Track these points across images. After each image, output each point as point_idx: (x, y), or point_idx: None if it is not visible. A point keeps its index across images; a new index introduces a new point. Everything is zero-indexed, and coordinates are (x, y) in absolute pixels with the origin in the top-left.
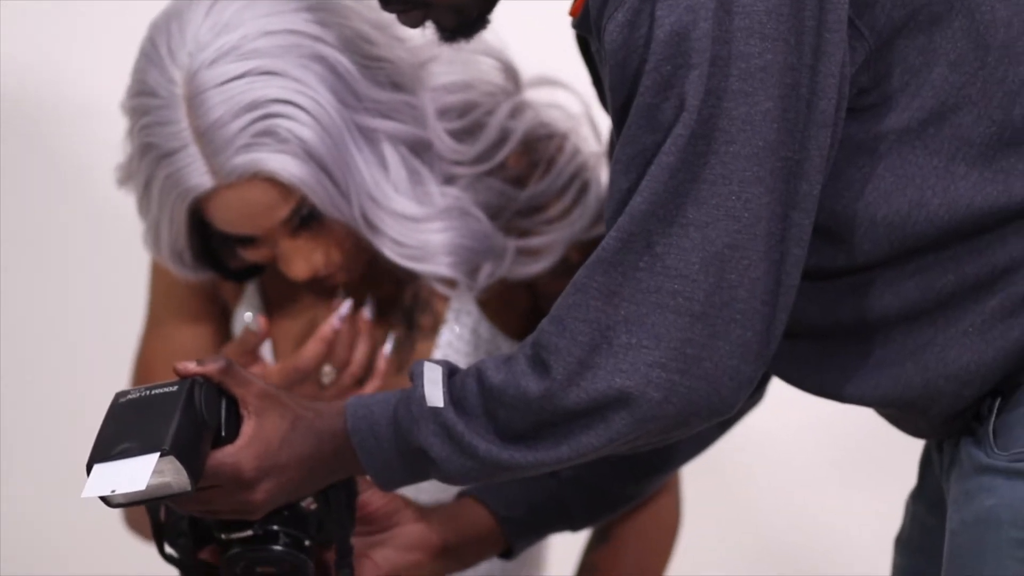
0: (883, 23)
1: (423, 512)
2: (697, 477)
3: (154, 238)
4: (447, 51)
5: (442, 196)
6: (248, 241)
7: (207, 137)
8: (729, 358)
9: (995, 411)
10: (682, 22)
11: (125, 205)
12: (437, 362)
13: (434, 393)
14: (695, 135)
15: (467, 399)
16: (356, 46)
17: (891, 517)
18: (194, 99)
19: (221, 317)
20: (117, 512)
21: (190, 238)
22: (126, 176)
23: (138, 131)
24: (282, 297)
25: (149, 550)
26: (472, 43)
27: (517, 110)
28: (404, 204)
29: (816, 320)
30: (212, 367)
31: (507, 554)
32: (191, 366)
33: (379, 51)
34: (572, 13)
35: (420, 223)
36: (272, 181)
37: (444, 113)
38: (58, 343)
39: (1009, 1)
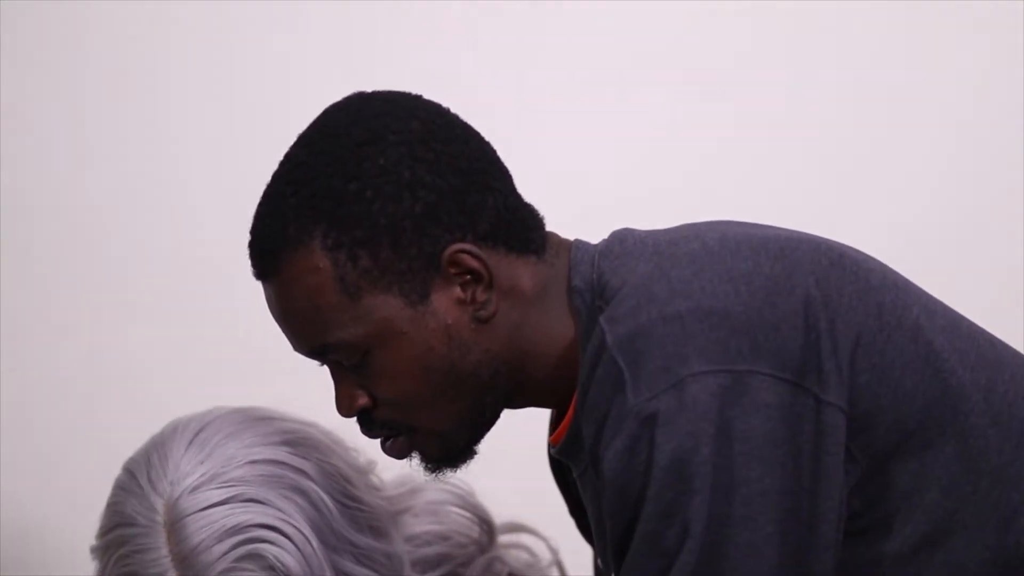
0: (877, 447)
1: None
2: None
3: None
4: (422, 502)
5: None
6: None
7: (188, 562)
8: None
9: None
10: (683, 448)
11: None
12: None
13: None
14: (700, 562)
15: None
16: (337, 484)
17: None
18: (175, 524)
19: None
20: None
21: None
22: None
23: (113, 564)
24: None
25: None
26: (446, 495)
27: (490, 564)
28: None
29: None
30: None
31: None
32: None
33: (358, 492)
34: (553, 441)
35: None
36: None
37: (418, 564)
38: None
39: (1000, 427)
